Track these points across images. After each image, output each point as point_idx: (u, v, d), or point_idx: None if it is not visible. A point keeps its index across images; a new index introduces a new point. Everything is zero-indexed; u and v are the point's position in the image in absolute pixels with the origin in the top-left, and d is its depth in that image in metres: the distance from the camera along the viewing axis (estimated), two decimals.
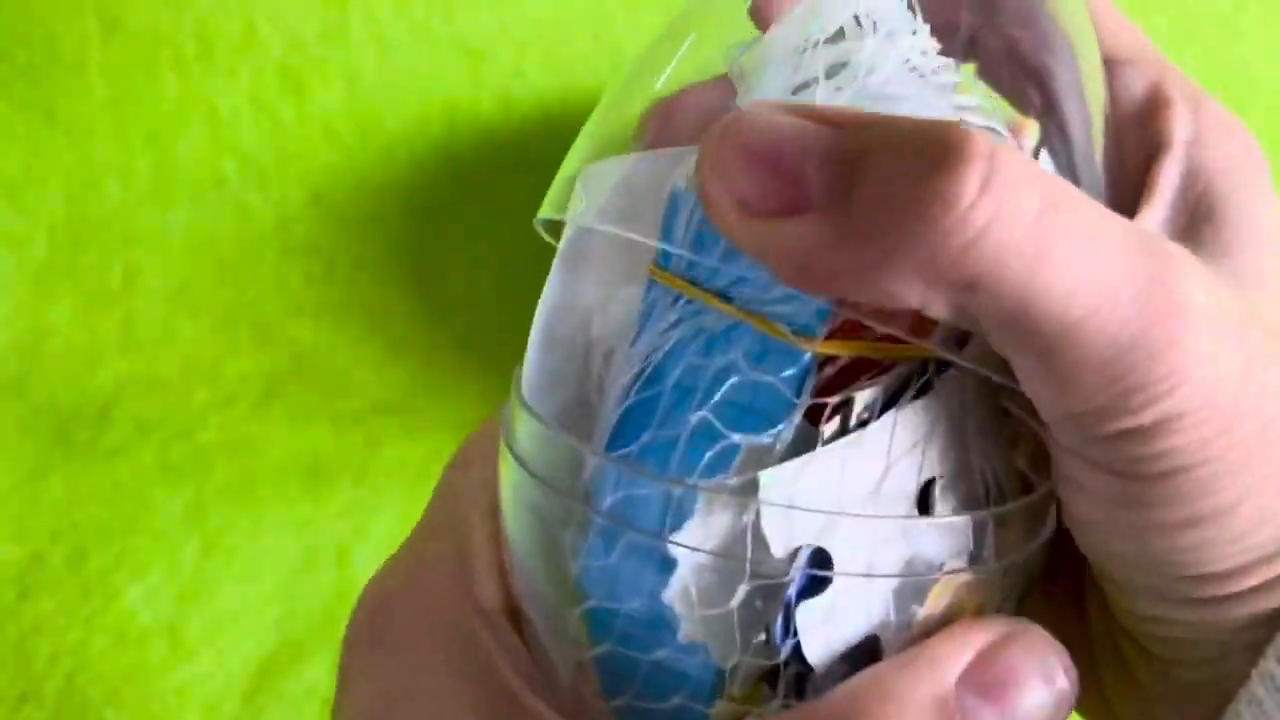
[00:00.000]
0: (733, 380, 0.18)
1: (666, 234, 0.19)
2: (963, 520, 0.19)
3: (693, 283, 0.18)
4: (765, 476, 0.17)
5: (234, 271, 0.52)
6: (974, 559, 0.19)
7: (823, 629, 0.18)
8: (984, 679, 0.18)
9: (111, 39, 0.47)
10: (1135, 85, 0.23)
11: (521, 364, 0.20)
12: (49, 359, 0.52)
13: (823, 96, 0.18)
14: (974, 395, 0.19)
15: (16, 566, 0.44)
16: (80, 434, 0.50)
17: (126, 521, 0.46)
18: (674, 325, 0.18)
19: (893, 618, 0.18)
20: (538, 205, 0.22)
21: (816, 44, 0.18)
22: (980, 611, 0.19)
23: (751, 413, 0.18)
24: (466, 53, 0.48)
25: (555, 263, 0.21)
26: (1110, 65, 0.23)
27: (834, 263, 0.17)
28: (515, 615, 0.21)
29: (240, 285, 0.52)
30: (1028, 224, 0.17)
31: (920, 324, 0.18)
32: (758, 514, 0.17)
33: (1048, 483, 0.20)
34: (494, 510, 0.21)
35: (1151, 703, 0.22)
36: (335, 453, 0.48)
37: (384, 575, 0.23)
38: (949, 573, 0.18)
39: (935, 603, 0.18)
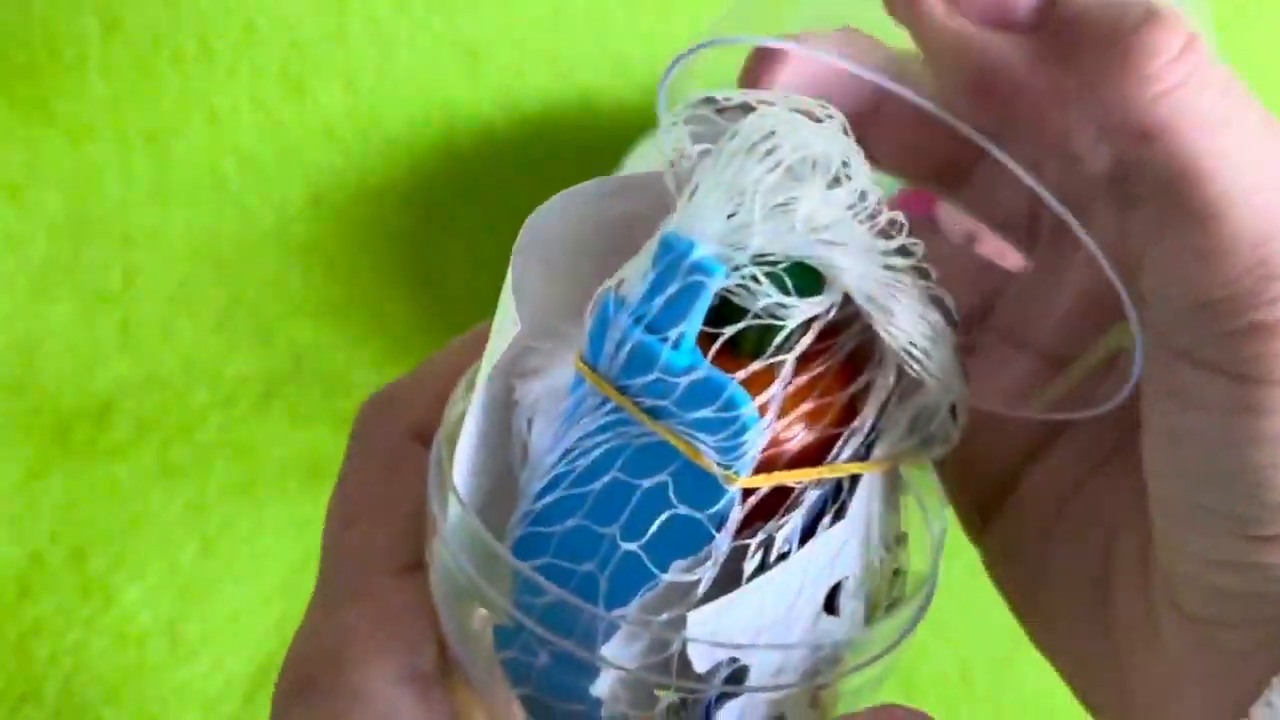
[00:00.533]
0: (661, 518, 0.18)
1: (596, 340, 0.19)
2: (865, 630, 0.20)
3: (621, 391, 0.19)
4: (692, 617, 0.18)
5: (233, 271, 0.52)
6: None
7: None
8: None
9: (111, 39, 0.47)
10: None
11: (445, 427, 0.21)
12: (48, 359, 0.52)
13: (759, 242, 0.18)
14: (880, 495, 0.20)
15: (16, 566, 0.44)
16: (80, 434, 0.50)
17: (126, 522, 0.46)
18: (601, 431, 0.19)
19: (799, 703, 0.20)
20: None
21: (758, 184, 0.18)
22: (875, 680, 0.20)
23: (677, 547, 0.18)
24: (466, 53, 0.48)
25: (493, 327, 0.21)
26: None
27: (1023, 83, 0.19)
28: (449, 673, 0.21)
29: (240, 285, 0.52)
30: (1215, 93, 0.18)
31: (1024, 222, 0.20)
32: (684, 644, 0.18)
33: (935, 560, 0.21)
34: (409, 569, 0.22)
35: (1180, 683, 0.22)
36: (335, 453, 0.48)
37: (300, 649, 0.23)
38: (851, 670, 0.20)
39: (835, 684, 0.20)
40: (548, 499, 0.19)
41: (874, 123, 0.21)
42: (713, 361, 0.18)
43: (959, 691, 0.37)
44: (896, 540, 0.21)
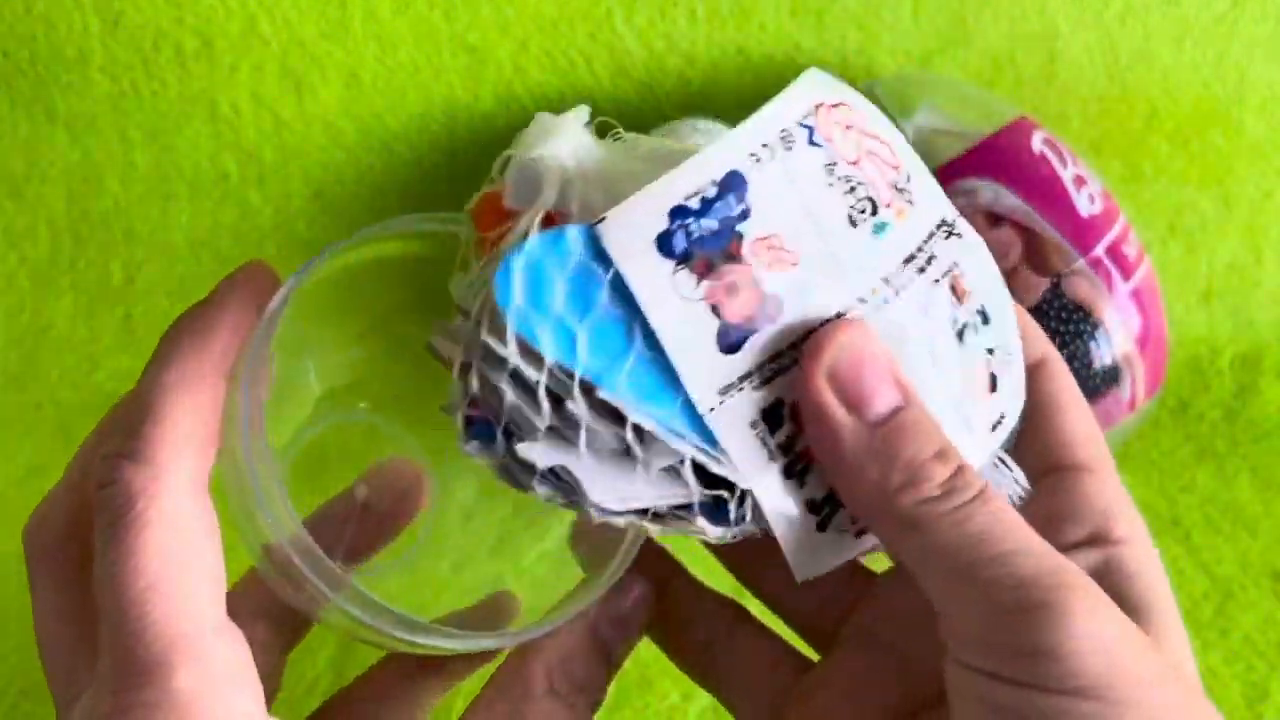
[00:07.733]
0: None
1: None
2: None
3: None
4: None
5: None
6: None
7: None
8: None
9: (113, 35, 0.47)
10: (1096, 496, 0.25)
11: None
12: (50, 355, 0.52)
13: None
14: None
15: (17, 561, 0.44)
16: (81, 430, 0.49)
17: None
18: None
19: None
20: None
21: None
22: None
23: None
24: (467, 50, 0.48)
25: None
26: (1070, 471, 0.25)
27: None
28: None
29: None
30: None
31: None
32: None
33: None
34: (221, 629, 0.23)
35: None
36: (336, 450, 0.48)
37: None
38: None
39: None
40: None
41: None
42: None
43: None
44: None
